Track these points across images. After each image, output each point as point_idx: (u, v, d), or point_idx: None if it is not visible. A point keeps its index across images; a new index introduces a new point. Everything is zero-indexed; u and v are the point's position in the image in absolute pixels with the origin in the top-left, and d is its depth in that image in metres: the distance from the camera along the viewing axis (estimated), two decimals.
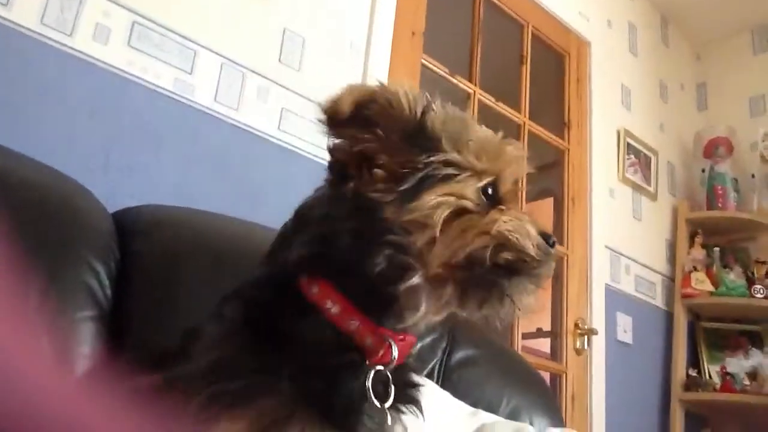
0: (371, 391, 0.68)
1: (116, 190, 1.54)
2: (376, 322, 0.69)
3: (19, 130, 1.45)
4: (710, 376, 3.16)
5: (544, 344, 3.12)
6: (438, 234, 0.67)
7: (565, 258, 2.87)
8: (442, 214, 0.67)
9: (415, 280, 0.68)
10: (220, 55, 1.81)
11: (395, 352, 0.70)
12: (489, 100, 2.71)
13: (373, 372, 0.69)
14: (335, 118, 0.71)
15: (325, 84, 2.03)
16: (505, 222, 0.69)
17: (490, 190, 0.72)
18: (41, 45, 1.50)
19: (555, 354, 2.88)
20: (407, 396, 0.73)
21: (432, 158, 0.69)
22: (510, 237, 0.68)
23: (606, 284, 2.93)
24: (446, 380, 1.53)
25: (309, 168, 1.86)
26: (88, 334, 1.16)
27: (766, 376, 3.04)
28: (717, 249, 3.28)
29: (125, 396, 0.71)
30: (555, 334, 2.88)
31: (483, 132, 0.75)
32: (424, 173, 0.68)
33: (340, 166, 0.72)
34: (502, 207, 0.71)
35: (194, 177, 1.71)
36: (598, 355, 2.80)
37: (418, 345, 1.56)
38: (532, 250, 0.69)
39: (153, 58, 1.67)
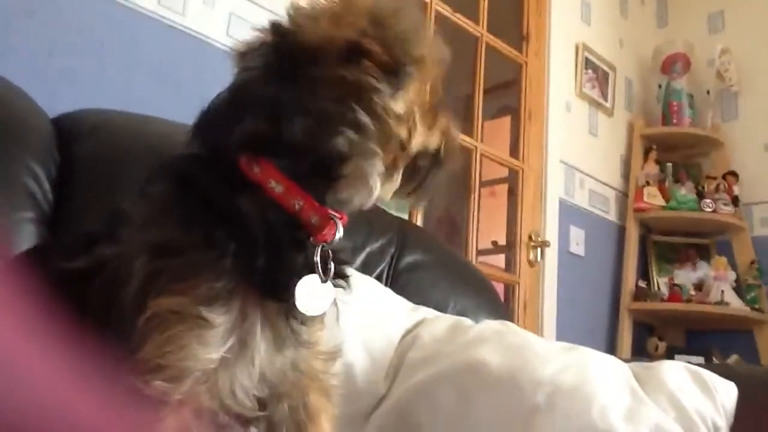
0: (319, 266, 0.71)
1: (56, 95, 1.50)
2: (319, 201, 0.70)
3: None
4: (659, 287, 3.28)
5: (499, 261, 3.19)
6: (413, 127, 0.74)
7: (521, 172, 2.91)
8: (416, 109, 0.74)
9: (376, 164, 0.71)
10: None
11: (340, 231, 0.72)
12: (446, 10, 2.67)
13: (320, 248, 0.71)
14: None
15: None
16: (448, 123, 0.80)
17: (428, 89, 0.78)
18: None
19: (509, 266, 2.96)
20: (340, 271, 0.75)
21: (414, 54, 0.73)
22: (452, 136, 0.81)
23: (560, 198, 2.98)
24: (394, 283, 1.56)
25: None
26: (28, 235, 1.16)
27: (710, 287, 3.16)
28: (670, 164, 3.35)
29: (50, 283, 0.71)
30: (509, 247, 2.95)
31: (430, 38, 0.78)
32: (407, 69, 0.72)
33: (304, 44, 0.71)
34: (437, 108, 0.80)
35: (137, 83, 1.68)
36: (550, 266, 2.88)
37: (367, 249, 1.60)
38: (458, 150, 0.83)
39: None
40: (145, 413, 0.63)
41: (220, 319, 0.65)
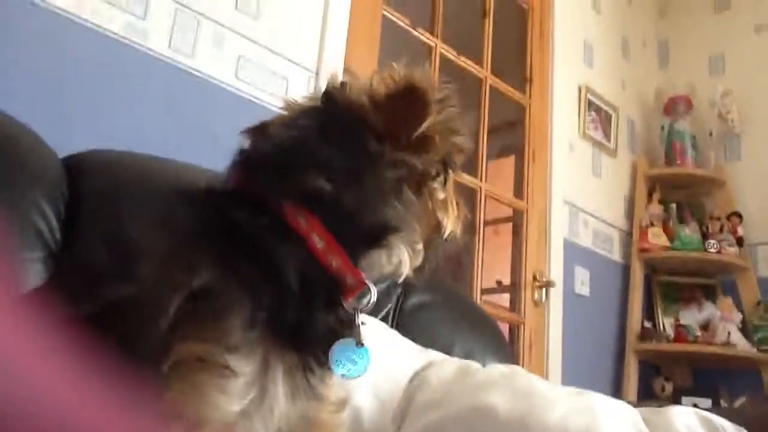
0: (358, 328, 0.72)
1: (67, 135, 1.52)
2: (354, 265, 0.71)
3: None
4: (664, 328, 3.26)
5: (504, 300, 3.18)
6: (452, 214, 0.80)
7: (525, 212, 2.91)
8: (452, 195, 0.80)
9: (414, 241, 0.75)
10: (174, 0, 1.78)
11: (374, 296, 0.73)
12: (451, 53, 2.70)
13: (358, 312, 0.72)
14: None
15: (283, 33, 2.01)
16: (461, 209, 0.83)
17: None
18: None
19: (514, 306, 2.95)
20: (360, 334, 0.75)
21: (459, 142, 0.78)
22: (462, 221, 0.83)
23: (564, 238, 2.98)
24: (400, 325, 1.56)
25: (265, 117, 1.85)
26: (36, 274, 1.17)
27: (716, 327, 3.14)
28: (674, 205, 3.36)
29: (61, 327, 0.69)
30: (514, 287, 2.94)
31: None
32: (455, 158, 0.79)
33: (359, 120, 0.73)
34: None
35: (147, 124, 1.70)
36: (555, 307, 2.87)
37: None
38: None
39: (104, 1, 1.63)
40: None
41: (245, 369, 0.64)
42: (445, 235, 0.79)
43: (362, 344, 0.72)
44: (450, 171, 0.78)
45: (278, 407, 0.68)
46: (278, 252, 0.67)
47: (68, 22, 1.57)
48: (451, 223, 0.79)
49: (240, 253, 0.67)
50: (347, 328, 0.71)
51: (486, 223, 2.87)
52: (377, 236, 0.71)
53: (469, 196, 2.68)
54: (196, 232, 0.69)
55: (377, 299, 1.55)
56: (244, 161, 0.74)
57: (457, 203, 0.82)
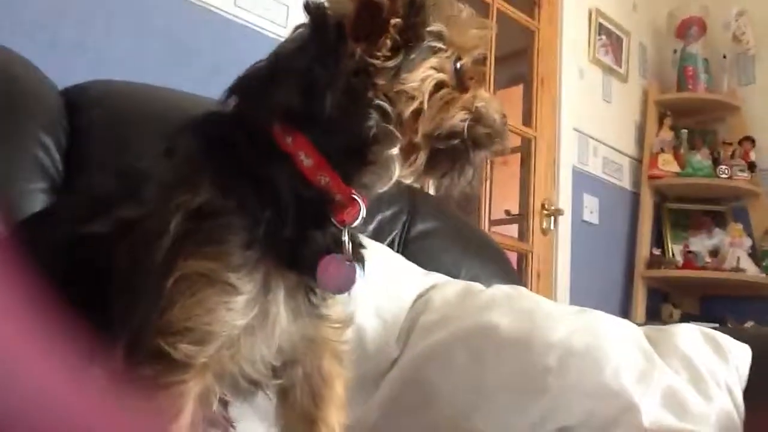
0: (348, 244, 0.71)
1: (65, 66, 1.49)
2: (345, 182, 0.70)
3: None
4: (673, 255, 3.26)
5: (512, 231, 3.18)
6: (424, 105, 0.70)
7: (533, 140, 2.88)
8: (429, 86, 0.70)
9: (396, 147, 0.70)
10: None
11: (363, 213, 0.71)
12: None
13: (347, 228, 0.71)
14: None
15: None
16: (483, 99, 0.74)
17: (459, 66, 0.74)
18: None
19: (522, 235, 2.95)
20: (358, 253, 0.75)
21: (431, 29, 0.71)
22: (487, 113, 0.73)
23: (573, 166, 2.95)
24: (405, 251, 1.56)
25: (266, 46, 1.80)
26: (41, 204, 1.17)
27: (725, 253, 3.14)
28: (685, 131, 3.31)
29: (62, 249, 0.70)
30: (522, 216, 2.93)
31: (457, 7, 0.76)
32: (423, 45, 0.70)
33: (335, 22, 0.70)
34: (471, 84, 0.75)
35: (145, 54, 1.67)
36: (563, 235, 2.86)
37: (378, 217, 1.60)
38: (500, 127, 0.75)
39: None
40: (167, 376, 0.64)
41: (247, 287, 0.65)
42: (448, 133, 0.71)
43: (352, 261, 0.71)
44: (413, 56, 0.69)
45: (280, 325, 0.69)
46: (269, 172, 0.68)
47: None
48: (436, 119, 0.71)
49: (236, 174, 0.68)
50: (339, 245, 0.71)
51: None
52: (362, 151, 0.69)
53: None
54: (195, 155, 0.70)
55: (382, 225, 1.56)
56: (237, 85, 0.74)
57: (460, 93, 0.73)
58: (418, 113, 0.70)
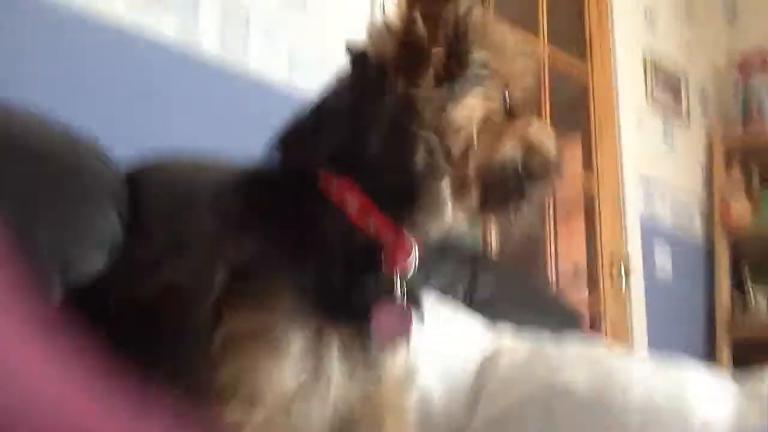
0: (402, 293, 0.67)
1: (126, 147, 1.48)
2: (395, 223, 0.68)
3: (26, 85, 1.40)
4: (756, 306, 3.02)
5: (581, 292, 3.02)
6: (473, 138, 0.68)
7: (597, 190, 2.76)
8: (478, 117, 0.68)
9: (446, 182, 0.67)
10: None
11: (416, 255, 0.69)
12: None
13: (398, 274, 0.67)
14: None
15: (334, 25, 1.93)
16: (535, 129, 0.72)
17: (507, 95, 0.72)
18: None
19: (591, 295, 2.80)
20: (415, 301, 0.70)
21: (475, 57, 0.69)
22: (540, 143, 0.71)
23: (641, 216, 2.80)
24: None
25: None
26: None
27: None
28: (756, 170, 3.12)
29: (117, 314, 0.67)
30: (590, 274, 2.79)
31: (501, 34, 0.75)
32: (468, 74, 0.69)
33: (377, 60, 0.69)
34: (521, 113, 0.73)
35: (205, 132, 1.65)
36: (636, 291, 2.69)
37: (437, 287, 1.49)
38: (556, 157, 0.72)
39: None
40: None
41: (298, 342, 0.62)
42: (502, 167, 0.68)
43: (407, 308, 0.68)
44: (459, 86, 0.67)
45: (334, 383, 0.65)
46: (315, 220, 0.66)
47: (120, 32, 1.54)
48: (487, 152, 0.67)
49: (280, 225, 0.66)
50: (391, 293, 0.67)
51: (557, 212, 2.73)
52: (410, 189, 0.66)
53: None
54: (239, 212, 0.69)
55: (444, 290, 1.47)
56: (281, 137, 0.73)
57: (511, 124, 0.70)
58: (467, 145, 0.67)
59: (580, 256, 2.92)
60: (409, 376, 0.74)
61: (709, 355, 2.91)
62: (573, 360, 1.08)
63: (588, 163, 2.79)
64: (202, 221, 0.71)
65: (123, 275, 0.77)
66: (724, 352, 2.89)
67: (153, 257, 0.73)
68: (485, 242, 2.32)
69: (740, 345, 2.96)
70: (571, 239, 2.99)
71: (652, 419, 0.94)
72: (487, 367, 1.14)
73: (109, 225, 1.19)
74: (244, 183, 0.71)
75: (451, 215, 0.68)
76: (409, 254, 0.68)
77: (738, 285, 3.09)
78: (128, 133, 1.50)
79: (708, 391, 0.99)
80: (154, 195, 1.29)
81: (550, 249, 2.54)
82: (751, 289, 3.08)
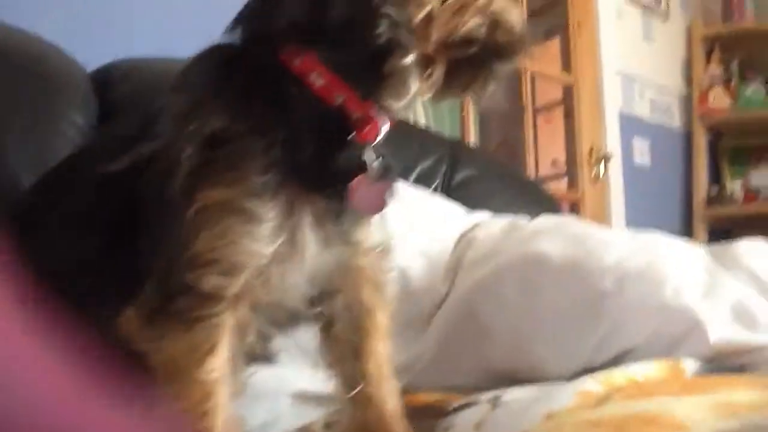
0: (368, 164, 0.67)
1: (91, 49, 1.50)
2: (362, 99, 0.66)
3: None
4: (732, 193, 3.13)
5: (561, 186, 3.09)
6: (436, 11, 0.64)
7: (575, 87, 2.79)
8: None
9: (410, 58, 0.64)
10: None
11: (383, 129, 0.68)
12: None
13: (369, 147, 0.67)
14: None
15: None
16: (500, 3, 0.67)
17: None
18: None
19: (571, 185, 2.87)
20: (388, 174, 0.71)
21: None
22: (504, 18, 0.67)
23: (620, 110, 2.85)
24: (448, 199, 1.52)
25: None
26: None
27: None
28: (735, 63, 3.15)
29: (93, 187, 0.69)
30: (570, 166, 2.85)
31: None
32: None
33: None
34: None
35: (170, 33, 1.65)
36: (615, 181, 2.77)
37: (418, 169, 1.56)
38: (521, 34, 0.68)
39: None
40: (199, 310, 0.62)
41: (270, 213, 0.63)
42: (466, 40, 0.65)
43: (383, 180, 0.68)
44: None
45: (309, 251, 0.66)
46: (281, 95, 0.65)
47: None
48: (449, 24, 0.65)
49: (248, 99, 0.65)
50: (363, 166, 0.67)
51: (536, 110, 2.76)
52: (375, 62, 0.65)
53: (515, 81, 2.58)
54: (204, 85, 0.68)
55: (422, 175, 1.53)
56: (241, 13, 0.71)
57: None
58: (429, 19, 0.64)
59: (561, 152, 2.98)
60: (386, 248, 0.75)
61: (686, 237, 3.01)
62: (548, 229, 1.11)
63: (566, 59, 2.81)
64: (170, 100, 0.70)
65: (96, 153, 0.78)
66: (701, 234, 3.01)
67: (125, 135, 0.73)
68: (464, 136, 2.37)
69: (715, 227, 3.09)
70: (551, 137, 3.04)
71: (627, 283, 0.96)
72: (464, 240, 1.19)
73: (76, 124, 1.21)
74: (204, 58, 0.70)
75: (415, 90, 0.67)
76: (379, 129, 0.68)
77: (715, 173, 3.20)
78: (90, 41, 1.51)
79: (681, 258, 1.03)
80: (122, 89, 1.32)
81: (531, 146, 2.59)
82: (727, 174, 3.18)
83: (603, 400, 0.74)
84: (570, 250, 1.02)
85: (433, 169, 1.55)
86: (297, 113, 0.65)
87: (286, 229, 0.64)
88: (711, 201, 3.05)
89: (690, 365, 0.89)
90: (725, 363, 0.91)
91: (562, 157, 3.01)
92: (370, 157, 0.68)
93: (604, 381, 0.80)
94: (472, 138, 2.48)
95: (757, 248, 1.08)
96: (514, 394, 0.83)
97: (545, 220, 1.16)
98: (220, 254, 0.61)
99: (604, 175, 2.75)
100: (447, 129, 2.47)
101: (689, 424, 0.60)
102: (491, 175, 1.67)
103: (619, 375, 0.84)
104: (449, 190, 1.55)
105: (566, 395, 0.75)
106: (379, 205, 0.69)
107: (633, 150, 2.89)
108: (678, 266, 1.01)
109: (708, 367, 0.90)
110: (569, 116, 2.84)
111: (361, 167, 0.67)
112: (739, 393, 0.69)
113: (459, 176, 1.58)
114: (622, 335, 0.95)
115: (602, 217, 2.73)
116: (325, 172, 0.66)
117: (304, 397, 0.93)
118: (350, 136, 0.67)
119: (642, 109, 2.97)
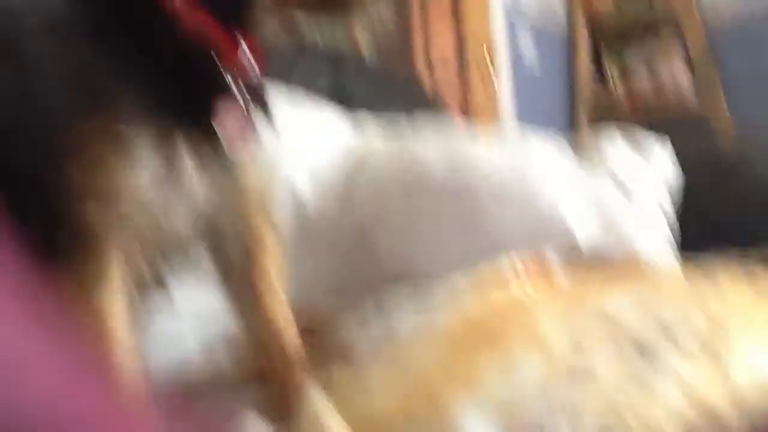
0: (240, 94, 0.66)
1: None
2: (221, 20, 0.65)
3: None
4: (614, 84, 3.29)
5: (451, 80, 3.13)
6: None
7: None
8: None
9: None
10: None
11: (248, 55, 0.67)
12: None
13: (231, 73, 0.66)
14: None
15: None
16: None
17: None
18: None
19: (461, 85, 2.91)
20: (260, 100, 0.70)
21: None
22: None
23: (505, 4, 2.88)
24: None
25: None
26: None
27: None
28: None
29: None
30: (459, 62, 2.88)
31: None
32: None
33: None
34: None
35: None
36: (502, 75, 2.83)
37: (295, 72, 1.52)
38: None
39: None
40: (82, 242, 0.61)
41: (145, 141, 0.62)
42: None
43: (249, 107, 0.67)
44: None
45: (186, 175, 0.65)
46: (139, 21, 0.63)
47: None
48: None
49: (105, 32, 0.62)
50: (229, 92, 0.66)
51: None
52: None
53: None
54: (62, 22, 0.64)
55: (303, 79, 1.51)
56: None
57: None
58: None
59: (449, 50, 3.00)
60: (268, 166, 0.74)
61: (571, 129, 3.18)
62: (433, 154, 1.15)
63: None
64: (29, 38, 0.65)
65: None
66: (584, 126, 3.18)
67: None
68: (353, 44, 2.35)
69: (598, 119, 3.23)
70: (439, 35, 3.05)
71: (505, 201, 1.05)
72: (351, 156, 1.21)
73: None
74: None
75: (276, 10, 0.69)
76: (244, 53, 0.66)
77: (596, 65, 3.34)
78: None
79: (551, 174, 1.11)
80: None
81: (418, 44, 2.59)
82: (608, 68, 3.32)
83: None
84: (454, 173, 1.07)
85: (312, 71, 1.53)
86: (157, 38, 0.63)
87: (162, 155, 0.63)
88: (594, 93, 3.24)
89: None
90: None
91: (451, 54, 3.03)
92: (234, 80, 0.66)
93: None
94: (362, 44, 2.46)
95: (612, 141, 1.18)
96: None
97: (430, 144, 1.19)
98: (97, 181, 0.61)
99: (492, 71, 2.80)
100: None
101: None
102: (370, 75, 1.67)
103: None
104: (330, 94, 1.53)
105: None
106: (248, 134, 0.68)
107: (519, 45, 2.95)
108: (550, 186, 1.09)
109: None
110: (456, 11, 2.85)
111: (228, 94, 0.66)
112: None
113: (339, 78, 1.57)
114: (501, 249, 1.03)
115: (492, 112, 2.81)
116: (192, 100, 0.65)
117: (203, 316, 0.95)
118: (212, 61, 0.65)
119: (527, 3, 3.02)
